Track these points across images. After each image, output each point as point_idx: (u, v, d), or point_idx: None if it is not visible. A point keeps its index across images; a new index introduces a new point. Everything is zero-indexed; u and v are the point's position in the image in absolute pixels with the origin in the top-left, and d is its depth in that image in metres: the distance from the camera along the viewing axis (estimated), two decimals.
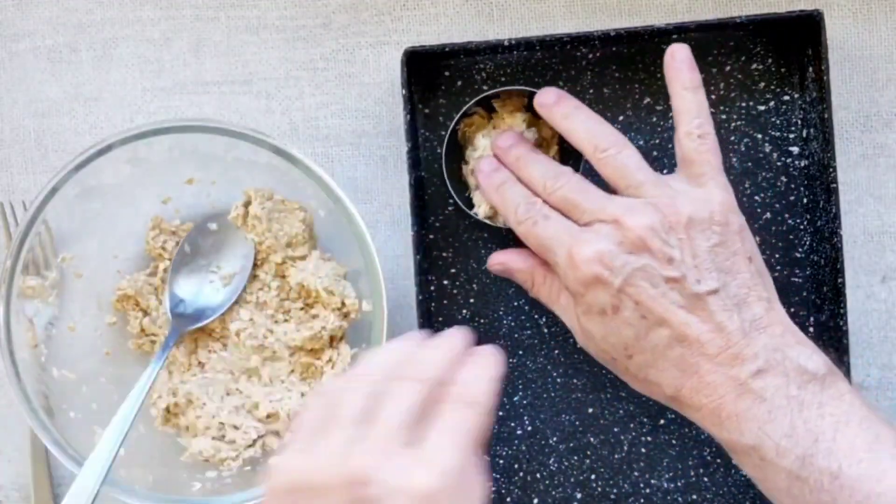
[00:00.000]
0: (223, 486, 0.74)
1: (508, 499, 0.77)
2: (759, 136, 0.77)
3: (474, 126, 0.75)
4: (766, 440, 0.61)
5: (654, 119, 0.77)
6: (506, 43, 0.73)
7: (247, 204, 0.75)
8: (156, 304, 0.77)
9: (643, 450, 0.77)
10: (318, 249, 0.76)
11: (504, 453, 0.77)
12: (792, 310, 0.76)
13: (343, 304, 0.74)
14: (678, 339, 0.64)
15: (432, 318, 0.77)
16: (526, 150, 0.72)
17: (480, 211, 0.75)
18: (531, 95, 0.73)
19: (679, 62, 0.69)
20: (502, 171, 0.72)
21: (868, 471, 0.59)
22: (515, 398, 0.77)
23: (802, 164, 0.76)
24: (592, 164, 0.69)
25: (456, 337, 0.58)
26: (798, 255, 0.77)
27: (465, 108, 0.74)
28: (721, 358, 0.63)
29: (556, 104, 0.71)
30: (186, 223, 0.77)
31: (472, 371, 0.55)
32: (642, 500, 0.77)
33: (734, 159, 0.76)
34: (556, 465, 0.77)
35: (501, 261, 0.73)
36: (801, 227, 0.76)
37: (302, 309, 0.76)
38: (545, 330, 0.77)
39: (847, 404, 0.62)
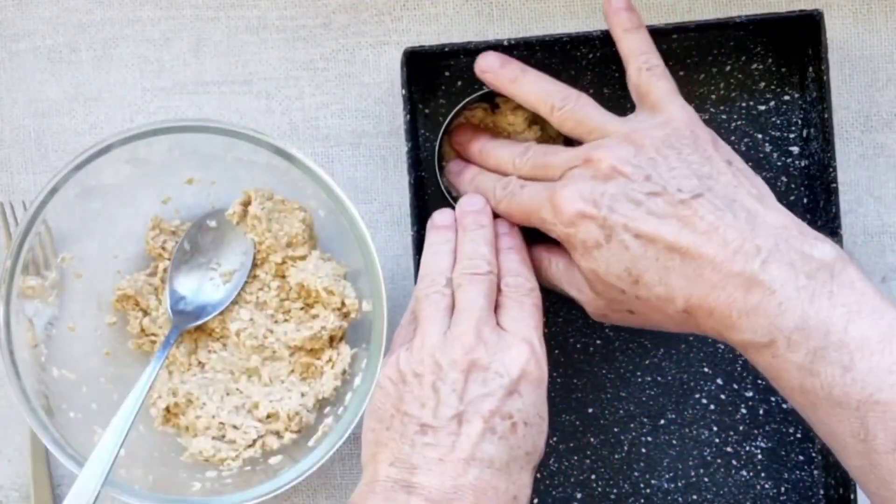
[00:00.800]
0: (223, 486, 0.74)
1: None
2: (759, 136, 0.77)
3: (477, 119, 0.75)
4: (779, 335, 0.60)
5: None
6: (506, 43, 0.73)
7: (246, 203, 0.75)
8: (156, 304, 0.77)
9: (643, 450, 0.77)
10: (318, 249, 0.76)
11: None
12: None
13: (343, 304, 0.74)
14: (674, 248, 0.63)
15: None
16: (485, 140, 0.74)
17: None
18: None
19: (616, 6, 0.71)
20: (470, 167, 0.74)
21: (880, 363, 0.58)
22: None
23: (802, 164, 0.76)
24: (552, 123, 0.70)
25: (478, 220, 0.70)
26: None
27: (456, 109, 0.74)
28: (722, 257, 0.62)
29: (501, 68, 0.72)
30: (186, 223, 0.77)
31: (513, 259, 0.69)
32: (642, 500, 0.77)
33: None
34: (556, 465, 0.77)
35: None
36: None
37: (302, 309, 0.76)
38: (545, 330, 0.77)
39: (858, 293, 0.60)
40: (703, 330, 0.64)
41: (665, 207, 0.64)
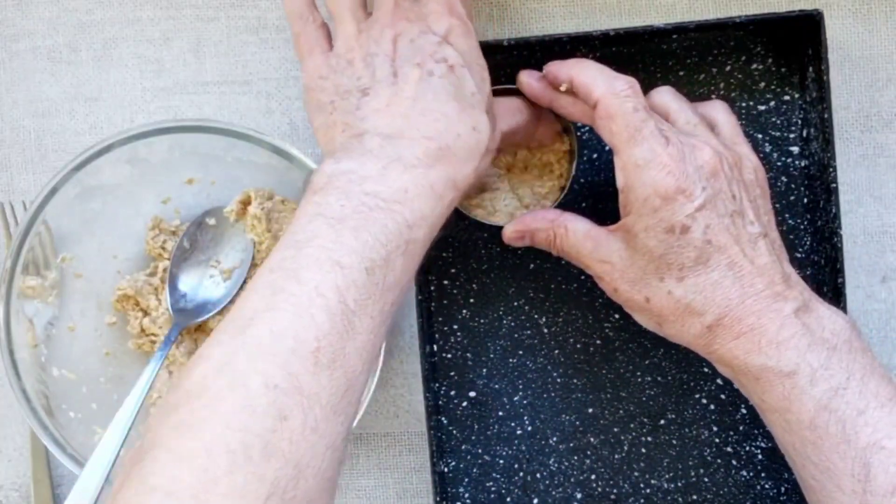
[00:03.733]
0: None
1: (508, 499, 0.77)
2: (759, 136, 0.77)
3: None
4: (805, 367, 0.64)
5: None
6: (506, 43, 0.73)
7: (245, 201, 0.75)
8: (156, 304, 0.77)
9: (643, 450, 0.77)
10: None
11: (504, 453, 0.77)
12: None
13: None
14: (733, 267, 0.66)
15: (432, 318, 0.77)
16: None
17: (476, 213, 0.75)
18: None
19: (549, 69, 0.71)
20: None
21: (891, 413, 0.63)
22: (515, 398, 0.77)
23: (802, 164, 0.76)
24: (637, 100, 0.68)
25: None
26: (798, 255, 0.77)
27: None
28: (767, 293, 0.65)
29: (555, 65, 0.71)
30: (186, 223, 0.77)
31: None
32: (642, 500, 0.77)
33: None
34: (556, 465, 0.77)
35: (519, 228, 0.72)
36: (801, 227, 0.76)
37: None
38: (545, 330, 0.77)
39: (870, 359, 0.66)
40: (711, 350, 0.67)
41: (739, 231, 0.66)
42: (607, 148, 0.77)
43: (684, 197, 0.65)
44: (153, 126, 0.71)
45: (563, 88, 0.70)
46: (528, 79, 0.72)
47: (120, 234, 0.77)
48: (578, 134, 0.76)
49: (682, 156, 0.66)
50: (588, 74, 0.68)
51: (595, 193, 0.77)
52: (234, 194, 0.76)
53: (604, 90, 0.67)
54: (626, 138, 0.66)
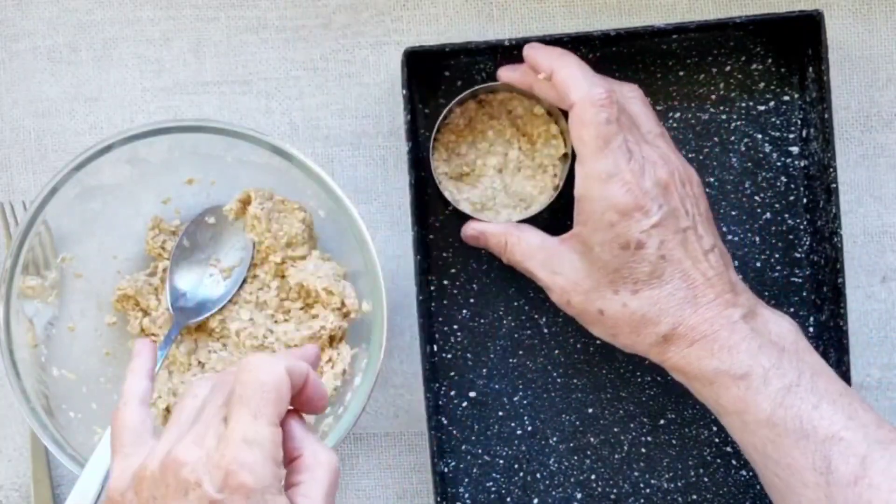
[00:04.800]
0: None
1: (508, 499, 0.77)
2: (759, 136, 0.77)
3: (471, 113, 0.76)
4: (757, 368, 0.66)
5: None
6: (506, 43, 0.73)
7: (244, 200, 0.75)
8: (156, 304, 0.77)
9: (643, 450, 0.77)
10: (317, 249, 0.76)
11: (504, 453, 0.77)
12: (792, 310, 0.76)
13: (343, 304, 0.74)
14: (686, 280, 0.67)
15: (432, 318, 0.77)
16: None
17: (463, 206, 0.75)
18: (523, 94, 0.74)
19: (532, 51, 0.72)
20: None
21: (842, 409, 0.65)
22: (515, 398, 0.77)
23: (802, 164, 0.76)
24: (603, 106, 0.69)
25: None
26: (798, 255, 0.77)
27: (444, 112, 0.74)
28: (717, 301, 0.67)
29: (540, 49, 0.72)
30: (186, 223, 0.77)
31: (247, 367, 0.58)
32: (642, 500, 0.77)
33: (734, 159, 0.77)
34: (556, 465, 0.77)
35: (476, 228, 0.74)
36: (801, 227, 0.76)
37: (302, 309, 0.76)
38: (545, 330, 0.77)
39: (817, 358, 0.68)
40: (665, 358, 0.69)
41: (689, 246, 0.68)
42: None
43: (641, 213, 0.66)
44: (153, 126, 0.71)
45: (541, 76, 0.70)
46: (508, 71, 0.73)
47: (120, 234, 0.77)
48: None
49: (642, 171, 0.67)
50: (568, 73, 0.69)
51: None
52: (234, 194, 0.76)
53: (581, 95, 0.67)
54: (595, 149, 0.67)
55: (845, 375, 0.73)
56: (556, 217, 0.76)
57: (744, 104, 0.77)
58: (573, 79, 0.68)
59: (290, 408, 0.57)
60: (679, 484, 0.77)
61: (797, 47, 0.76)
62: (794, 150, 0.77)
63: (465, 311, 0.77)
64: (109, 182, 0.74)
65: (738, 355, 0.66)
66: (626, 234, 0.67)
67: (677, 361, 0.68)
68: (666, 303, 0.67)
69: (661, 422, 0.77)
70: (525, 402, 0.77)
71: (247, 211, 0.75)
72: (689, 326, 0.67)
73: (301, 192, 0.74)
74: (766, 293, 0.76)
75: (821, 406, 0.65)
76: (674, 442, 0.77)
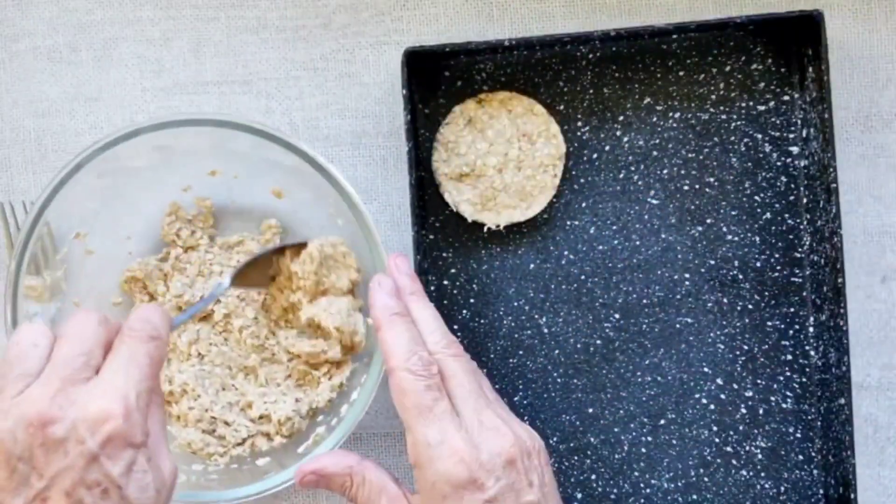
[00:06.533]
0: (208, 481, 0.73)
1: None
2: (759, 136, 0.77)
3: (470, 112, 0.76)
4: None
5: (654, 119, 0.77)
6: (506, 43, 0.73)
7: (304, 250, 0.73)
8: (163, 290, 0.76)
9: (643, 450, 0.77)
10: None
11: None
12: (792, 310, 0.76)
13: (351, 341, 0.74)
14: None
15: None
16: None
17: (463, 210, 0.75)
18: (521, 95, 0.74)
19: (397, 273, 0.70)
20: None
21: None
22: (515, 398, 0.77)
23: (802, 164, 0.76)
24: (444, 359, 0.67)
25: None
26: (798, 255, 0.77)
27: (444, 119, 0.75)
28: None
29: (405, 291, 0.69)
30: (202, 213, 0.77)
31: (143, 310, 0.61)
32: (642, 500, 0.77)
33: (734, 159, 0.77)
34: (556, 465, 0.77)
35: (312, 468, 0.69)
36: (801, 227, 0.77)
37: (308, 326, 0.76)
38: (545, 330, 0.77)
39: None
40: None
41: None
42: (607, 147, 0.77)
43: (475, 487, 0.62)
44: (185, 117, 0.70)
45: (369, 321, 0.69)
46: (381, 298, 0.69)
47: (137, 217, 0.76)
48: (578, 134, 0.76)
49: (477, 442, 0.63)
50: (390, 337, 0.66)
51: (595, 193, 0.77)
52: (255, 191, 0.75)
53: (397, 363, 0.65)
54: (417, 415, 0.64)
55: (845, 375, 0.73)
56: (557, 217, 0.76)
57: (744, 104, 0.77)
58: (393, 345, 0.66)
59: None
60: (679, 484, 0.77)
61: (797, 47, 0.76)
62: (794, 149, 0.77)
63: (465, 311, 0.77)
64: (134, 165, 0.73)
65: None
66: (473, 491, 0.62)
67: None
68: None
69: (661, 422, 0.77)
70: (525, 402, 0.77)
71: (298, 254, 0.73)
72: None
73: (323, 200, 0.73)
74: (766, 293, 0.76)
75: None
76: (674, 442, 0.77)
